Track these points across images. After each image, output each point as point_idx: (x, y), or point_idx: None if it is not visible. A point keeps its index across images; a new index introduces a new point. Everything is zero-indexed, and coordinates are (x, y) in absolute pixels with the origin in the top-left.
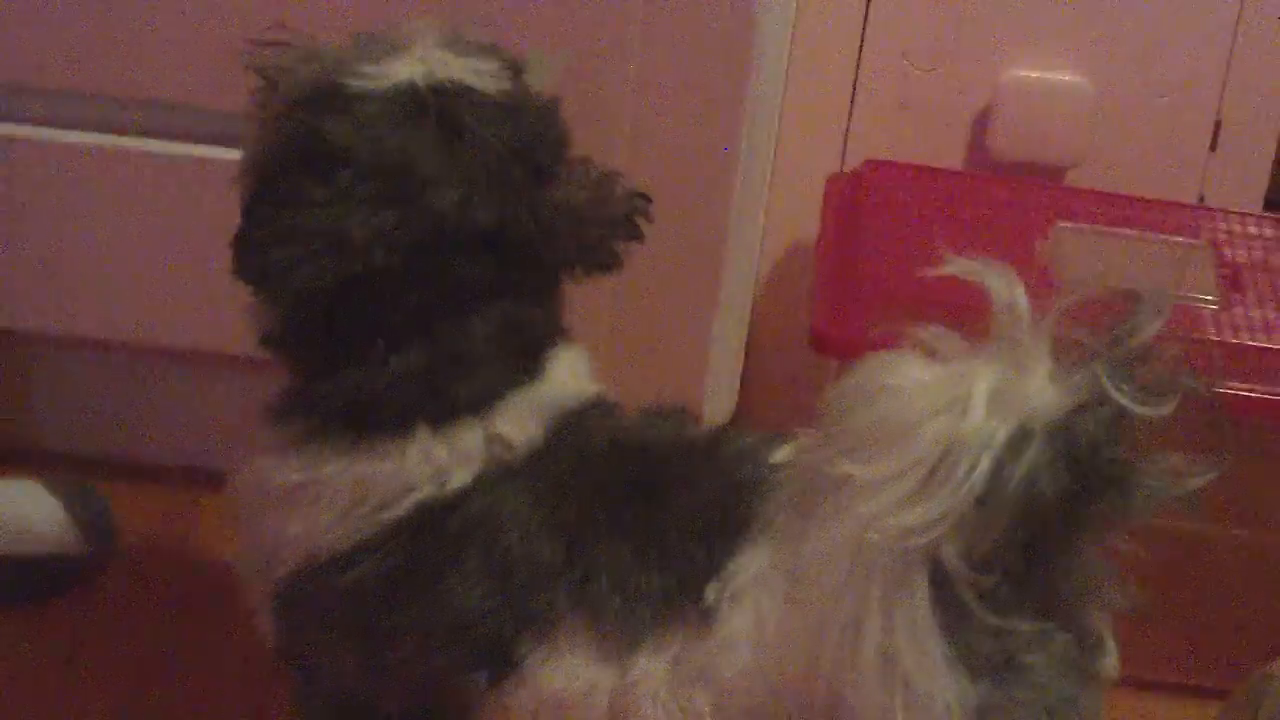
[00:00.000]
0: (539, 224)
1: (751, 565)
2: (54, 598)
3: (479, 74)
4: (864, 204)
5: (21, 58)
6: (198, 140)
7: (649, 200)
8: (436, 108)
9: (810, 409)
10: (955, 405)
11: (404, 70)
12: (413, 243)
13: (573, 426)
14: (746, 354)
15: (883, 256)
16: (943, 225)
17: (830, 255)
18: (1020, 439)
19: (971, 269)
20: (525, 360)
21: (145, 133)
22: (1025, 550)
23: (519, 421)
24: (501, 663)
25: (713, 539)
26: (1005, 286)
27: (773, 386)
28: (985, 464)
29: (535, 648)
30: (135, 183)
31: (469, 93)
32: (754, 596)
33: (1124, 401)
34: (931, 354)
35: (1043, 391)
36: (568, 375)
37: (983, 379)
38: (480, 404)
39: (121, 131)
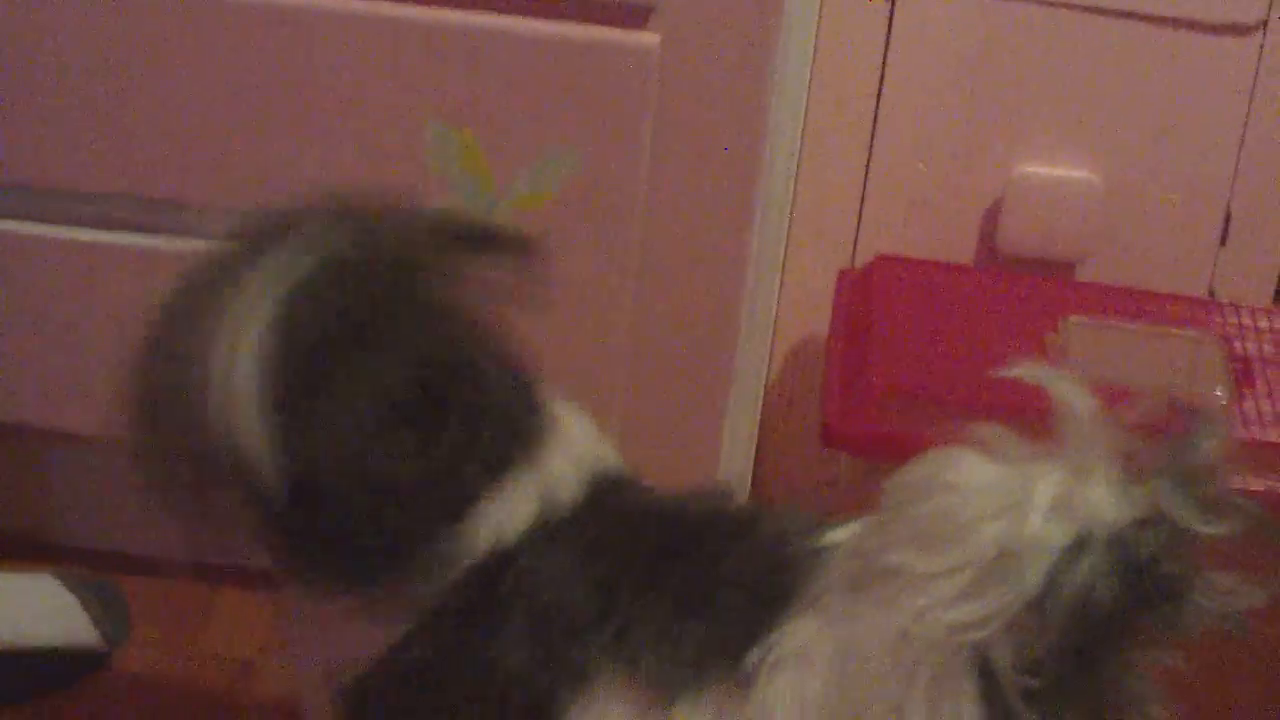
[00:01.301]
0: None
1: (795, 638)
2: (68, 690)
3: None
4: (874, 299)
5: (44, 159)
6: (207, 238)
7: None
8: None
9: (820, 503)
10: (1016, 508)
11: None
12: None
13: (613, 489)
14: (757, 450)
15: (893, 351)
16: (953, 320)
17: (841, 350)
18: (1079, 546)
19: (1038, 374)
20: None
21: (157, 230)
22: (1076, 657)
23: (565, 480)
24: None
25: (756, 606)
26: (1073, 393)
27: (784, 482)
28: (1041, 568)
29: (574, 701)
30: (152, 280)
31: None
32: (795, 669)
33: (1186, 519)
34: (991, 453)
35: (1105, 501)
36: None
37: (1045, 483)
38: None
39: (135, 229)
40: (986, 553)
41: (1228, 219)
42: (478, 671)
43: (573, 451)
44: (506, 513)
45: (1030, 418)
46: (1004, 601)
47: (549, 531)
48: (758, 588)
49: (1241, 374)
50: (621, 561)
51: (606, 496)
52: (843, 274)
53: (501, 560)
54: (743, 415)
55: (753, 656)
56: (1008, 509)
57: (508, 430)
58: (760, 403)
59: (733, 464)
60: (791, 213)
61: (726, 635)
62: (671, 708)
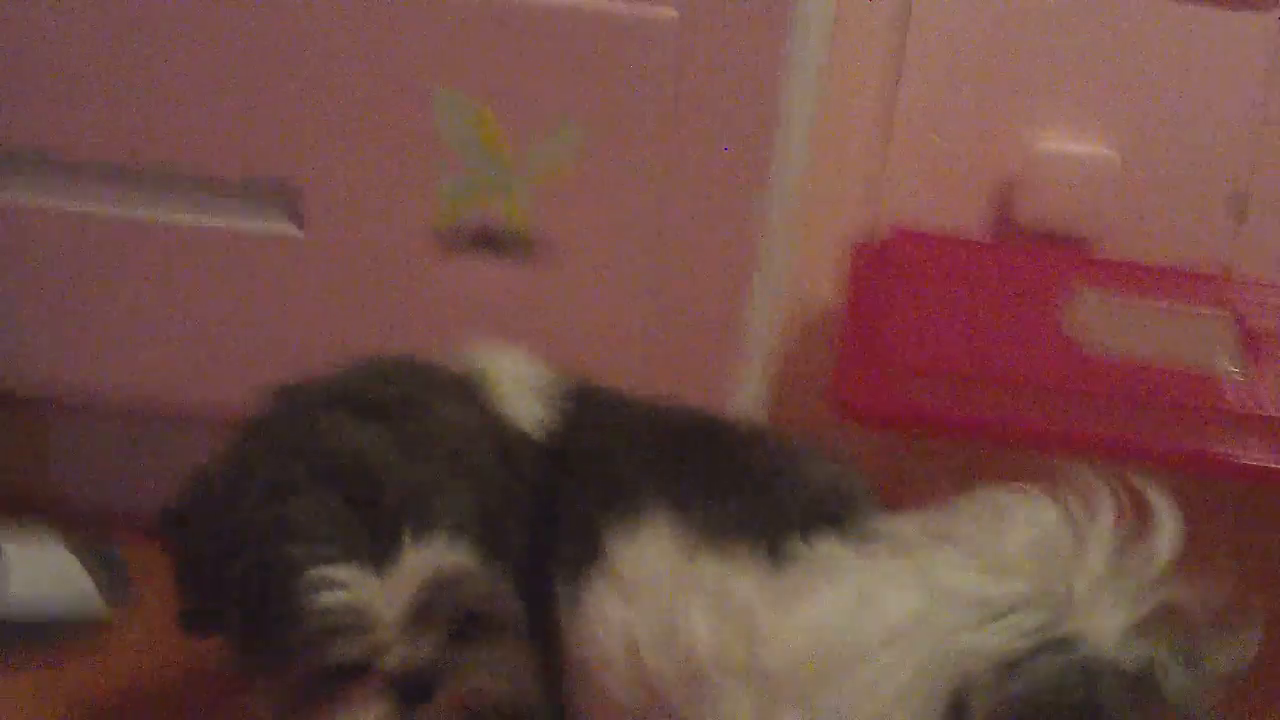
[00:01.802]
0: None
1: (838, 556)
2: (71, 655)
3: None
4: (890, 272)
5: (48, 129)
6: (215, 211)
7: None
8: None
9: None
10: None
11: None
12: None
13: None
14: (769, 421)
15: (908, 325)
16: (968, 294)
17: (856, 323)
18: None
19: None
20: None
21: (165, 204)
22: None
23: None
24: (592, 552)
25: (809, 509)
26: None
27: None
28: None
29: (620, 531)
30: (154, 250)
31: None
32: (825, 582)
33: (1180, 697)
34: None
35: (1105, 636)
36: None
37: (1028, 608)
38: None
39: (140, 202)
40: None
41: (1244, 196)
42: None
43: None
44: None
45: (1041, 391)
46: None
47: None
48: (814, 498)
49: (1253, 351)
50: (660, 444)
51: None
52: (858, 247)
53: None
54: (753, 386)
55: (792, 545)
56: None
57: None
58: (771, 374)
59: None
60: (808, 185)
61: (773, 513)
62: (702, 551)
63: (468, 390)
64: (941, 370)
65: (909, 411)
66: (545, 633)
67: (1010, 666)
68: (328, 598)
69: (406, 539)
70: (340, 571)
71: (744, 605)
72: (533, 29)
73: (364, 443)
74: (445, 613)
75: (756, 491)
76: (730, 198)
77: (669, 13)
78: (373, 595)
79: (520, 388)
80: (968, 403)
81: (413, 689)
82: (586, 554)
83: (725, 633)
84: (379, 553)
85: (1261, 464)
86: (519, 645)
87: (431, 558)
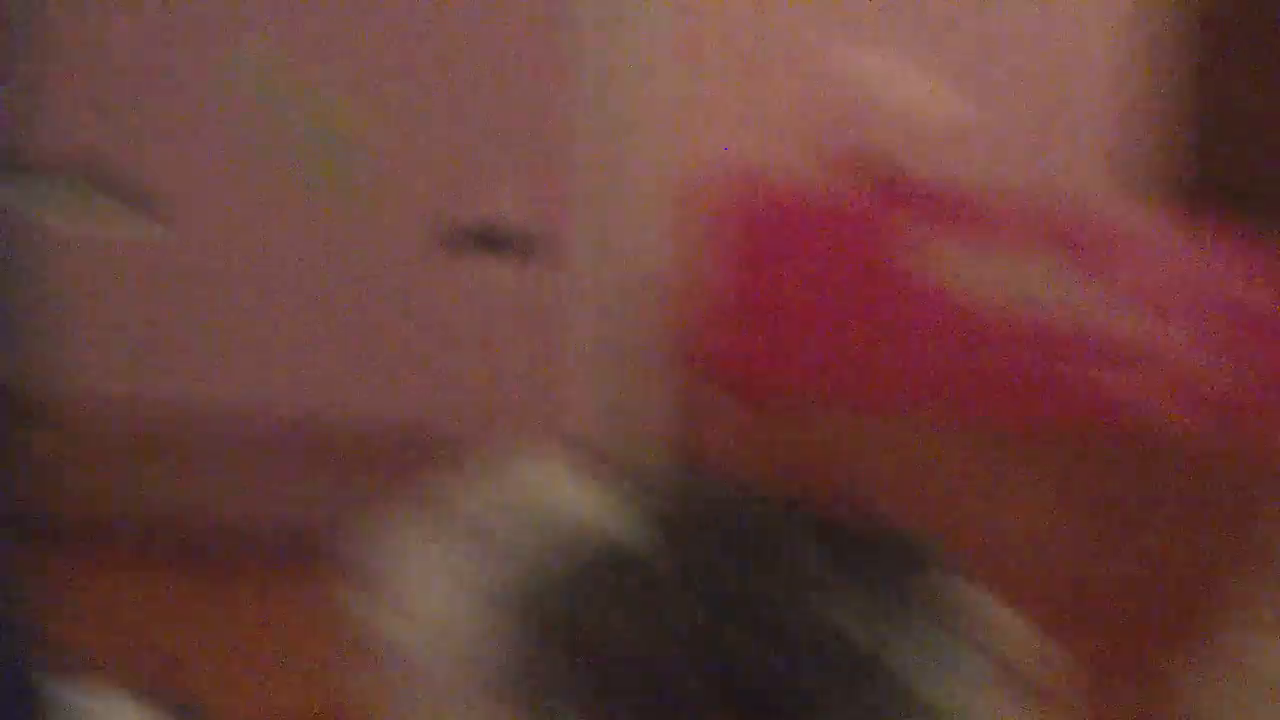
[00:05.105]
0: None
1: None
2: None
3: None
4: (744, 232)
5: None
6: None
7: None
8: None
9: None
10: None
11: None
12: None
13: None
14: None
15: (773, 287)
16: (835, 260)
17: (716, 285)
18: None
19: None
20: None
21: None
22: None
23: None
24: None
25: None
26: None
27: None
28: None
29: None
30: None
31: None
32: None
33: None
34: None
35: None
36: None
37: None
38: None
39: None
40: None
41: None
42: None
43: None
44: None
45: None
46: None
47: None
48: None
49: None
50: None
51: None
52: (694, 202)
53: None
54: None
55: None
56: None
57: None
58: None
59: None
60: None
61: None
62: None
63: None
64: (817, 337)
65: (789, 377)
66: None
67: None
68: None
69: None
70: None
71: None
72: None
73: None
74: None
75: None
76: None
77: None
78: None
79: None
80: (842, 370)
81: None
82: None
83: None
84: None
85: None
86: None
87: None
